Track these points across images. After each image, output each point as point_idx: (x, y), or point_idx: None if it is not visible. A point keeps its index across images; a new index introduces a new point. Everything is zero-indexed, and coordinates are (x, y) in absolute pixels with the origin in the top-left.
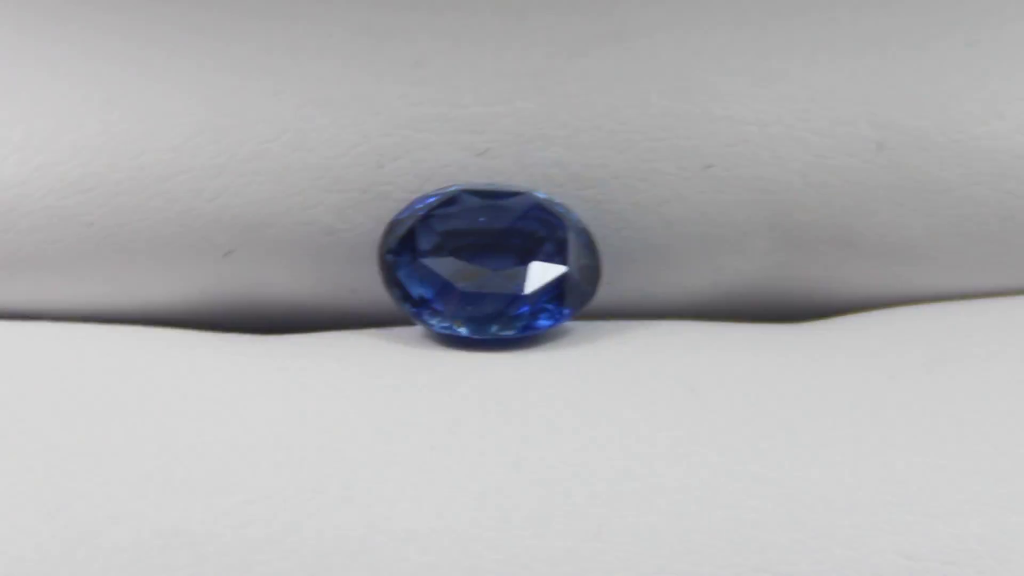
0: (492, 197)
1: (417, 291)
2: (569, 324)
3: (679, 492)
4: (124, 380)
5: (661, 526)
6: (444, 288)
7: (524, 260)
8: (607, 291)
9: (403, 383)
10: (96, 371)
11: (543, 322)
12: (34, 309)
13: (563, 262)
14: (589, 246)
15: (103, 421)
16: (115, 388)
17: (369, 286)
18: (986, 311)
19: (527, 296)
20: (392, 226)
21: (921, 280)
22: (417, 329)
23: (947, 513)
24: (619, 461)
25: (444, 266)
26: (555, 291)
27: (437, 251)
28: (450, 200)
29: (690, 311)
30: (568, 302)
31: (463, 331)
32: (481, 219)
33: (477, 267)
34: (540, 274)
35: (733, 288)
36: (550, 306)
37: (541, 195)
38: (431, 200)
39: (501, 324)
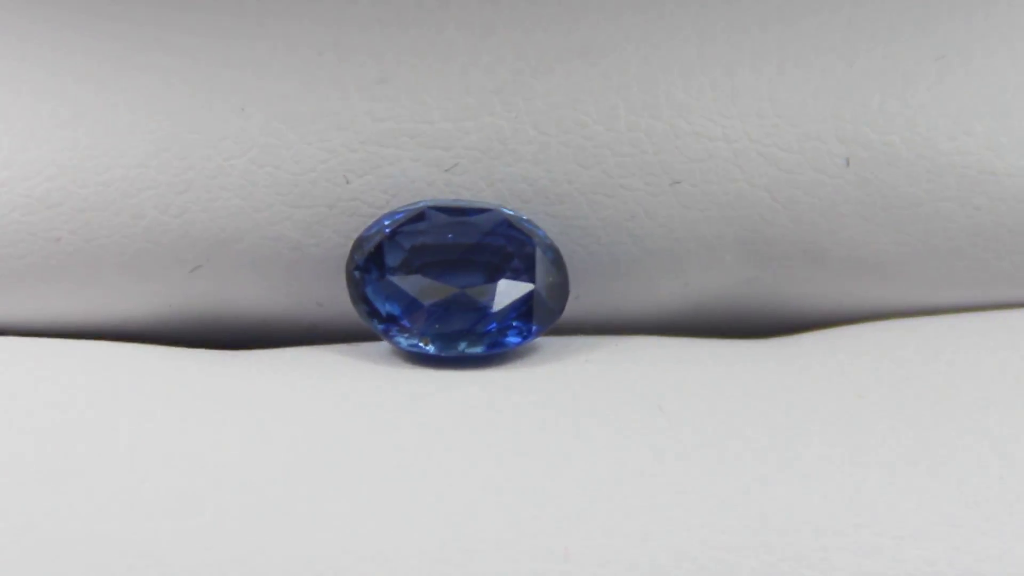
0: (459, 214)
1: (385, 308)
2: (537, 341)
3: (646, 514)
4: (90, 399)
5: (628, 549)
6: (411, 305)
7: (492, 277)
8: (576, 306)
9: (370, 403)
10: (63, 389)
11: (511, 339)
12: (1, 322)
13: (531, 279)
14: (557, 263)
15: (70, 439)
16: (82, 407)
17: (336, 300)
18: (955, 326)
19: (495, 313)
20: (359, 242)
21: (890, 295)
22: (384, 345)
23: (916, 535)
24: (587, 483)
25: (411, 283)
26: (523, 308)
27: (404, 268)
28: (417, 217)
29: (660, 325)
30: (536, 319)
31: (430, 348)
32: (449, 236)
33: (444, 284)
34: (508, 291)
35: (702, 302)
36: (518, 323)
37: (508, 211)
38: (398, 216)
39: (469, 341)
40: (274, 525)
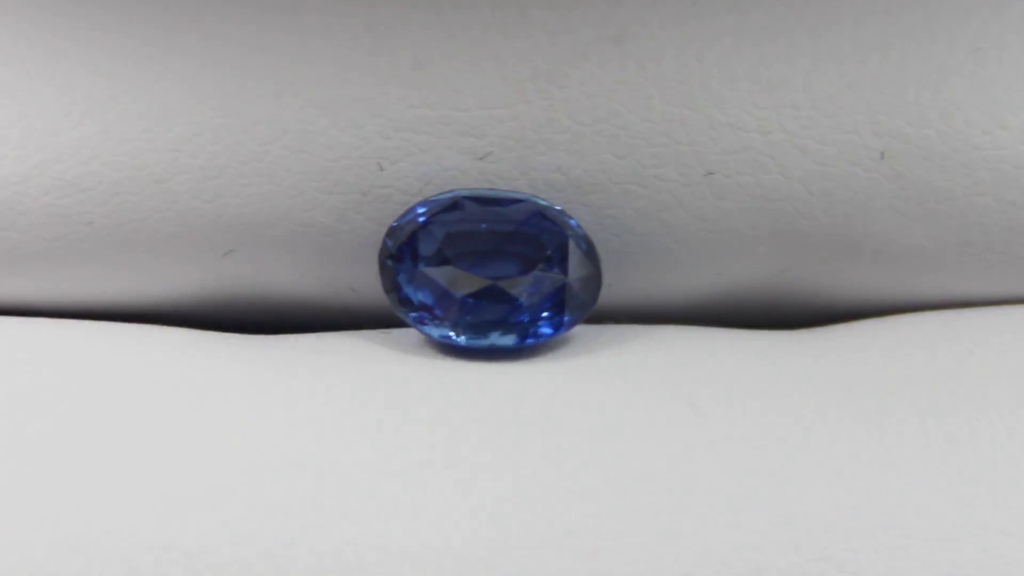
0: (493, 204)
1: (417, 297)
2: (568, 331)
3: (675, 513)
4: (120, 385)
5: (657, 548)
6: (444, 295)
7: (525, 269)
8: (608, 293)
9: (400, 395)
10: (92, 375)
11: (542, 331)
12: (34, 304)
13: (563, 271)
14: (590, 254)
15: (99, 427)
16: (111, 394)
17: (369, 284)
18: (988, 321)
19: (527, 306)
20: (392, 231)
21: (923, 286)
22: (416, 334)
23: (944, 537)
24: (616, 480)
25: (444, 274)
26: (555, 300)
27: (437, 258)
28: (451, 206)
29: (691, 313)
30: (568, 311)
31: (461, 339)
32: (482, 226)
33: (477, 275)
34: (540, 283)
35: (734, 291)
36: (550, 315)
37: (542, 202)
38: (432, 205)
39: (500, 333)
40: (300, 521)
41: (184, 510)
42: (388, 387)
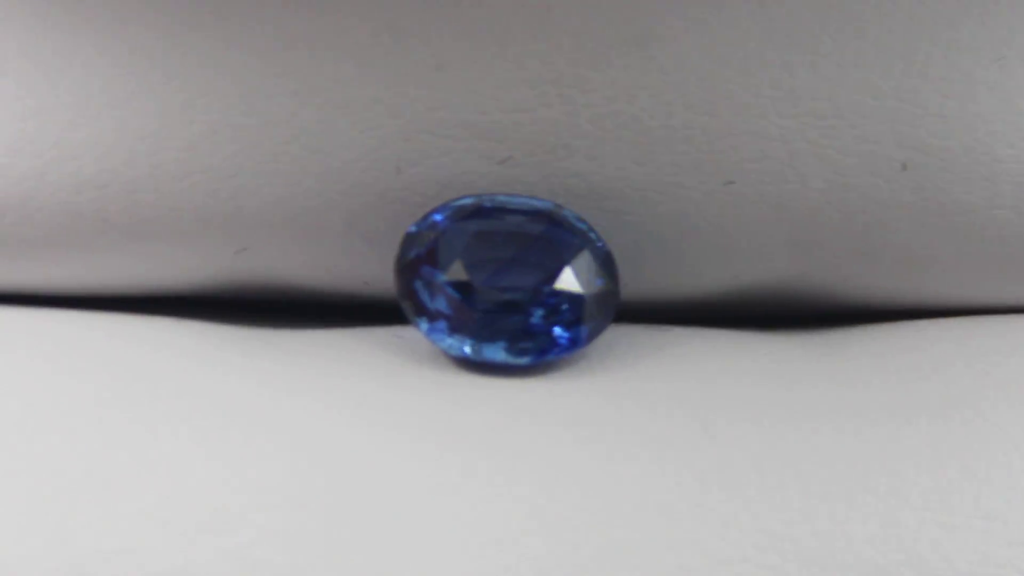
0: (513, 212)
1: (433, 306)
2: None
3: (689, 546)
4: (129, 394)
5: None
6: (459, 307)
7: (542, 281)
8: (624, 293)
9: (411, 416)
10: (99, 383)
11: (558, 346)
12: (45, 288)
13: (581, 285)
14: (608, 268)
15: (106, 442)
16: (119, 404)
17: (382, 280)
18: (1008, 333)
19: (543, 320)
20: (409, 239)
21: (943, 293)
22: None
23: (959, 575)
24: (629, 511)
25: (460, 285)
26: (572, 315)
27: (454, 268)
28: (470, 213)
29: (707, 311)
30: (585, 326)
31: (475, 353)
32: (500, 236)
33: (494, 288)
34: (557, 297)
35: (751, 292)
36: (566, 331)
37: (562, 211)
38: (450, 212)
39: (514, 348)
40: (311, 550)
41: (191, 534)
42: (400, 405)
